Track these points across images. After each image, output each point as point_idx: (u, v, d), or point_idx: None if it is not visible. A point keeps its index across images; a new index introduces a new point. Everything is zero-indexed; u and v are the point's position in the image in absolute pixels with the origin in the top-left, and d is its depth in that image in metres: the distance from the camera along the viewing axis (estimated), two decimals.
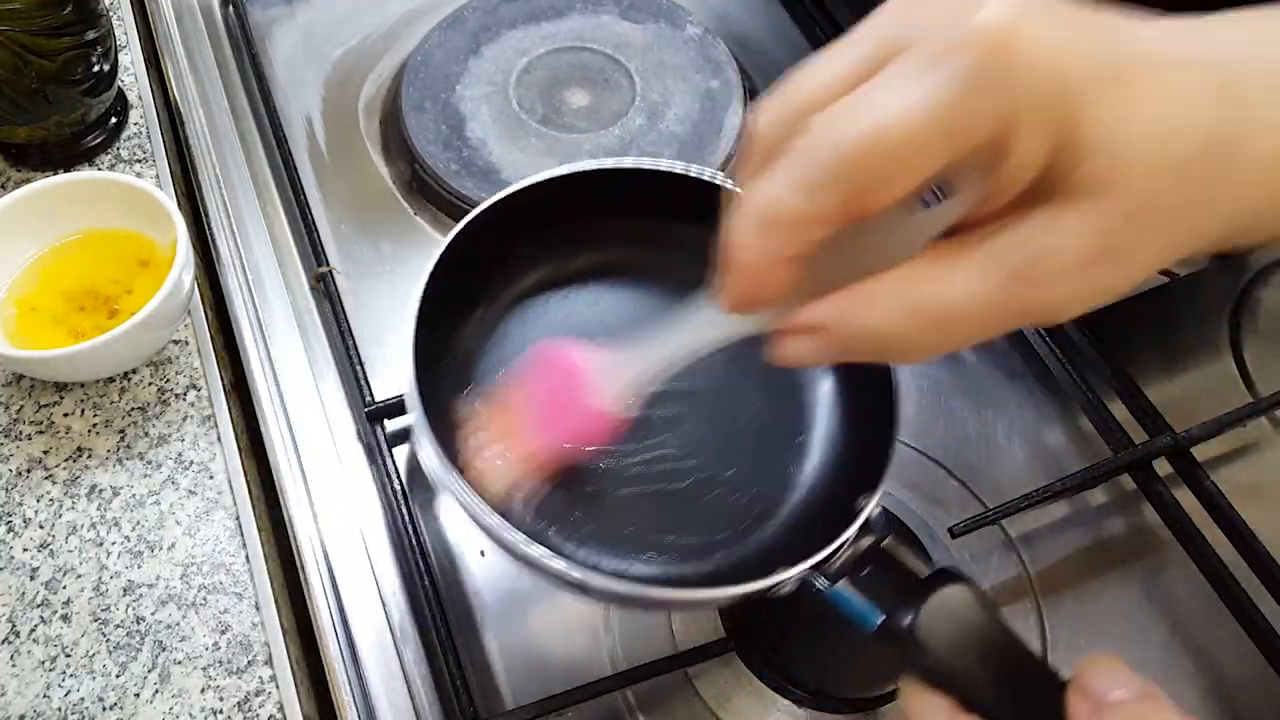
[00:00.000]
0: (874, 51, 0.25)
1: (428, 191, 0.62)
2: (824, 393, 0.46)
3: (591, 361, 0.38)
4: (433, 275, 0.41)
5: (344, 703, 0.44)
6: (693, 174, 0.45)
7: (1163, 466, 0.52)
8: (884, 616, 0.35)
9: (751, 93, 0.67)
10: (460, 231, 0.43)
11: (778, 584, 0.36)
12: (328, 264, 0.58)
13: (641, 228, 0.47)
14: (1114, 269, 0.25)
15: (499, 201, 0.44)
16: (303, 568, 0.48)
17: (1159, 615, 0.50)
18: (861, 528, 0.38)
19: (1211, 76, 0.25)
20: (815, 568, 0.37)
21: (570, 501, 0.42)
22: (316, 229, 0.59)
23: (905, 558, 0.38)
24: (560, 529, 0.41)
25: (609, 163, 0.46)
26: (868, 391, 0.43)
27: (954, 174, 0.25)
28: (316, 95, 0.67)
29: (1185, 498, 0.51)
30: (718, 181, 0.45)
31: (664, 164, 0.46)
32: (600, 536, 0.41)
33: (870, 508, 0.38)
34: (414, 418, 0.38)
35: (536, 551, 0.36)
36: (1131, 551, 0.52)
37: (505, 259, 0.46)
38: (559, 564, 0.35)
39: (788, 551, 0.38)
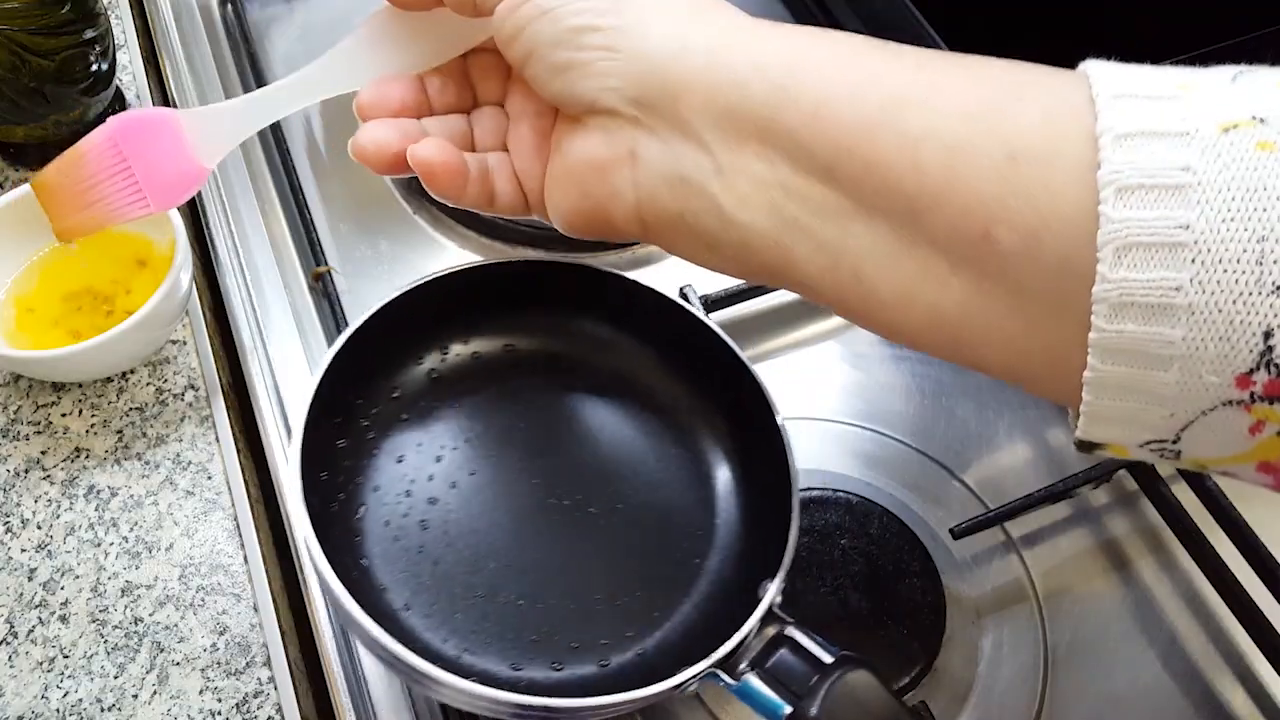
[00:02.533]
0: None
1: (426, 191, 0.62)
2: (723, 482, 0.45)
3: (184, 120, 0.38)
4: (319, 387, 0.40)
5: (342, 704, 0.44)
6: (598, 267, 0.45)
7: (1164, 466, 0.52)
8: (790, 709, 0.35)
9: None
10: (351, 336, 0.42)
11: (683, 684, 0.36)
12: (326, 263, 0.57)
13: (546, 321, 0.47)
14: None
15: (396, 299, 0.43)
16: (301, 569, 0.48)
17: (1161, 616, 0.50)
18: (766, 615, 0.37)
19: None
20: (720, 663, 0.36)
21: (467, 608, 0.41)
22: (315, 228, 0.59)
23: (809, 643, 0.37)
24: (457, 640, 0.40)
25: (511, 258, 0.46)
26: (766, 479, 0.43)
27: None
28: None
29: (1187, 497, 0.50)
30: (625, 276, 0.45)
31: (569, 258, 0.46)
32: (500, 645, 0.40)
33: (772, 595, 0.38)
34: (305, 536, 0.37)
35: (432, 670, 0.35)
36: (1133, 552, 0.52)
37: (399, 356, 0.46)
38: (455, 682, 0.35)
39: (693, 646, 0.37)
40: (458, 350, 0.47)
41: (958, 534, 0.49)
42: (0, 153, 0.59)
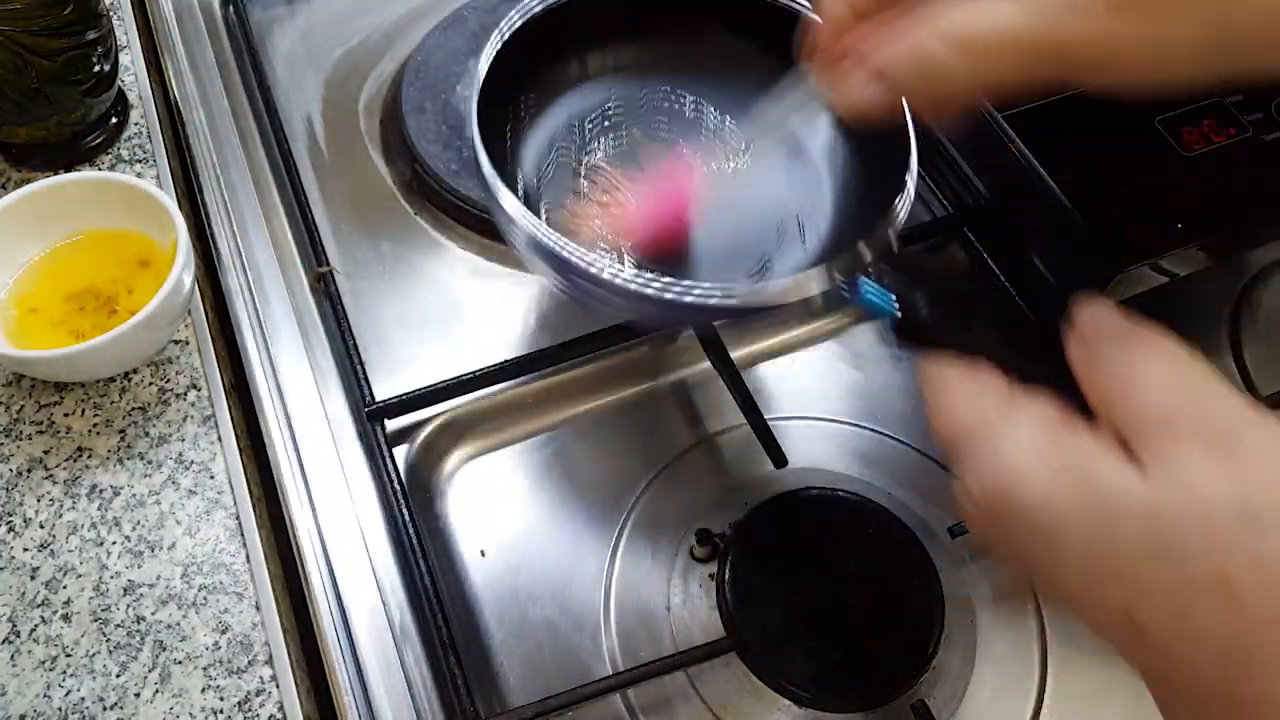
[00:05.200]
0: None
1: (428, 192, 0.62)
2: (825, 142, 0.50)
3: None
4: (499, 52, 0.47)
5: (344, 702, 0.44)
6: None
7: None
8: (899, 299, 0.37)
9: None
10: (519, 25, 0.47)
11: (803, 285, 0.40)
12: (328, 264, 0.58)
13: (685, 32, 0.52)
14: (1136, 21, 0.27)
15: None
16: (303, 567, 0.48)
17: None
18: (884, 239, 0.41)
19: None
20: (846, 268, 0.40)
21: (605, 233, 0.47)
22: (317, 229, 0.59)
23: (924, 262, 0.43)
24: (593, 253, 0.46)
25: None
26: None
27: None
28: (317, 95, 0.67)
29: None
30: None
31: None
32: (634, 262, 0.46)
33: (899, 220, 0.42)
34: (481, 162, 0.43)
35: (580, 259, 0.40)
36: None
37: (554, 52, 0.51)
38: (604, 273, 0.40)
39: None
40: (608, 46, 0.53)
41: (956, 533, 0.50)
42: (3, 153, 0.59)
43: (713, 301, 0.40)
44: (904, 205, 0.42)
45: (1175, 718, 0.27)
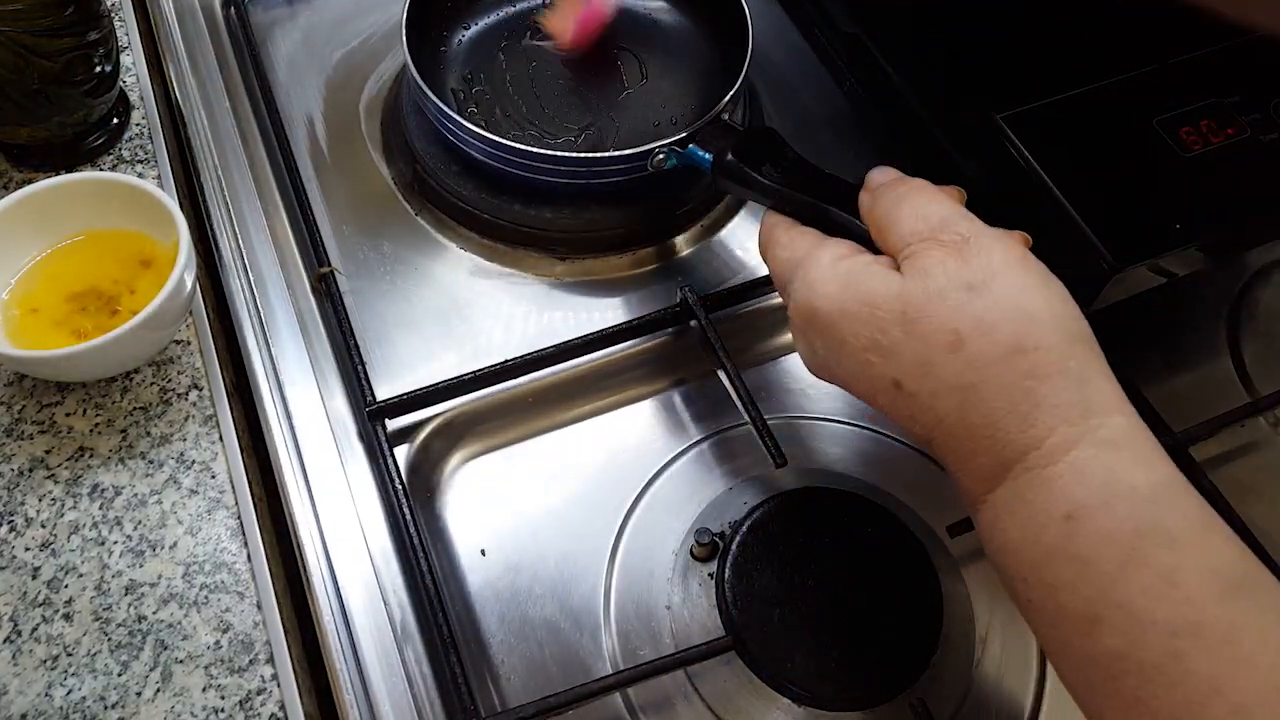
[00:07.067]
0: None
1: (429, 192, 0.62)
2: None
3: None
4: None
5: (345, 701, 0.45)
6: None
7: None
8: (713, 155, 0.51)
9: (750, 93, 0.68)
10: None
11: (651, 150, 0.54)
12: (329, 264, 0.58)
13: None
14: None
15: None
16: (304, 566, 0.48)
17: None
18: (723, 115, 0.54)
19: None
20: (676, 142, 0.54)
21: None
22: (318, 229, 0.59)
23: (732, 132, 0.52)
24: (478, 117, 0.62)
25: None
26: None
27: None
28: (318, 96, 0.68)
29: None
30: None
31: None
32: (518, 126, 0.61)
33: (728, 97, 0.56)
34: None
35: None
36: None
37: None
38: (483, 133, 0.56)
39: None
40: None
41: (955, 533, 0.50)
42: (5, 153, 0.60)
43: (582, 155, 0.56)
44: (730, 95, 0.56)
45: (938, 452, 0.38)
